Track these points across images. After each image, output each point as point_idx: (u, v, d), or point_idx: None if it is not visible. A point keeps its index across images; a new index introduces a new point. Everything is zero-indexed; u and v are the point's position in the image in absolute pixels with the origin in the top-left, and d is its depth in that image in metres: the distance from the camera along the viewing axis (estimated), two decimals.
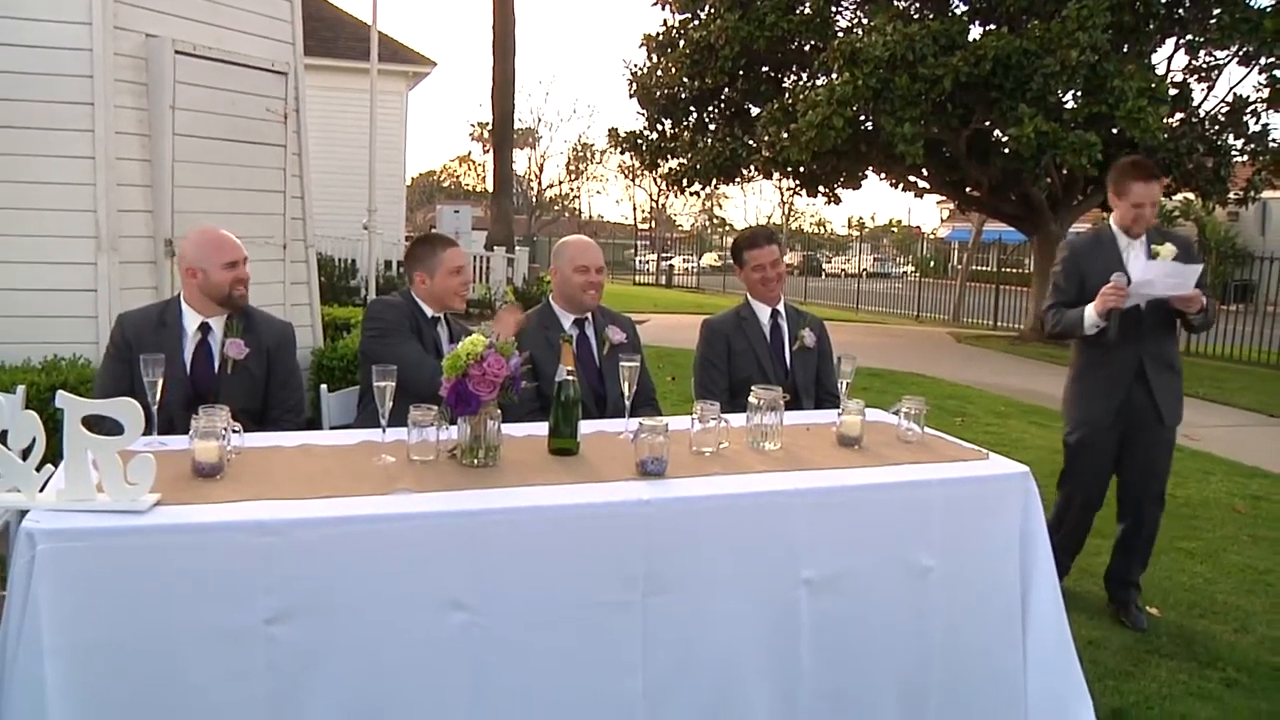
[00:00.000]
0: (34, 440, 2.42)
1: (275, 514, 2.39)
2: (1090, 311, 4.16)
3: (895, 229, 64.33)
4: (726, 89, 18.42)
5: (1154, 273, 4.04)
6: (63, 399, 2.38)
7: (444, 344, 3.86)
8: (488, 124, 34.89)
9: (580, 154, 54.75)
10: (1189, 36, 16.05)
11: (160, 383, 2.95)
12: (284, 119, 6.66)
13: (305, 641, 2.39)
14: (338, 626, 2.42)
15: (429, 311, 3.89)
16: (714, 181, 19.73)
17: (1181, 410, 4.36)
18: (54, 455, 2.40)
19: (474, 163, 57.09)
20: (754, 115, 17.94)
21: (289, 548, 2.36)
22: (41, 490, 2.40)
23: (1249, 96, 16.21)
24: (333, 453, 2.96)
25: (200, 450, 2.61)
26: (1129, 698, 3.64)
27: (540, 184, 55.10)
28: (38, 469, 2.41)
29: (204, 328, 3.59)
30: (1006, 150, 15.60)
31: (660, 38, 18.68)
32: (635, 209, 60.12)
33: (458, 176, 58.38)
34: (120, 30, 5.64)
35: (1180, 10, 15.56)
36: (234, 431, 2.75)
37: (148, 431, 2.74)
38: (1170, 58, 16.71)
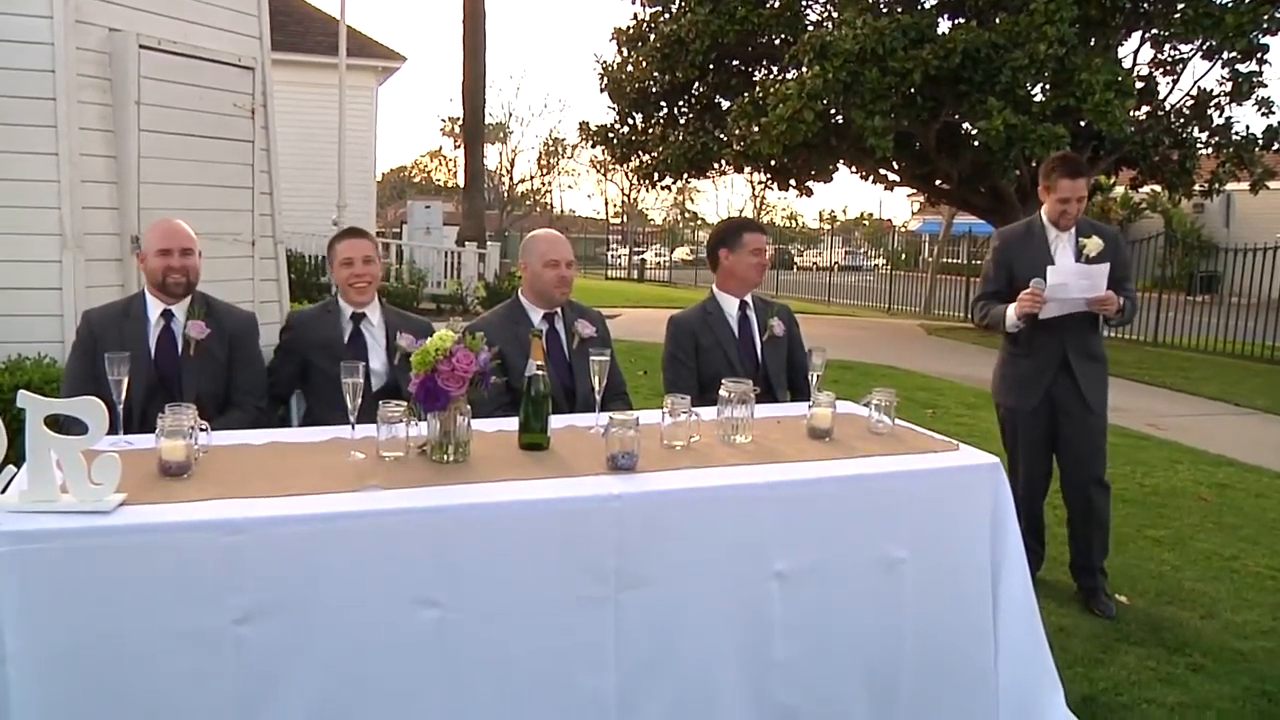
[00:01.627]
0: None
1: (244, 512, 2.37)
2: (1010, 312, 4.29)
3: (866, 222, 64.71)
4: (697, 83, 18.41)
5: (1066, 276, 4.17)
6: (24, 398, 2.33)
7: (371, 337, 3.89)
8: (459, 119, 34.80)
9: (551, 149, 54.65)
10: (1154, 30, 16.20)
11: (126, 381, 2.92)
12: (251, 114, 6.61)
13: (275, 641, 2.37)
14: (308, 625, 2.39)
15: (348, 308, 3.90)
16: (685, 175, 19.77)
17: (1107, 396, 4.45)
18: (17, 456, 2.37)
19: (445, 158, 56.91)
20: (725, 109, 17.96)
21: (258, 546, 2.34)
22: (4, 491, 2.36)
23: (1213, 90, 16.42)
24: (301, 450, 2.94)
25: (167, 449, 2.57)
26: (1099, 684, 3.68)
27: (512, 179, 54.94)
28: None
29: (166, 314, 3.61)
30: (976, 143, 15.69)
31: (631, 31, 18.66)
32: (607, 203, 60.13)
33: (429, 172, 58.18)
34: (82, 24, 5.56)
35: (1145, 4, 15.71)
36: (201, 430, 2.72)
37: (113, 431, 2.71)
38: (1136, 51, 16.88)
